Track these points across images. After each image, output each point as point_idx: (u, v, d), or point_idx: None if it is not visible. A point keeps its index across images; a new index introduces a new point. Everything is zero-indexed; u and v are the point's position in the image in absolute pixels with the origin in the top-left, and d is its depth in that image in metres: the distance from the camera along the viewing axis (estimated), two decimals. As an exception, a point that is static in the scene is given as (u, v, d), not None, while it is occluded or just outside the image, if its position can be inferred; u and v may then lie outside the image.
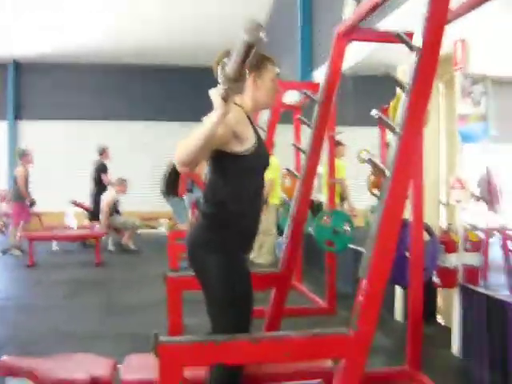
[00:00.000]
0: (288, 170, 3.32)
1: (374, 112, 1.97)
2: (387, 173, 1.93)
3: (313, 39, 8.77)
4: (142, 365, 2.41)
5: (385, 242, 1.91)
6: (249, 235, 2.40)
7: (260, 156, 2.35)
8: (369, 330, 1.90)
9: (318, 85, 4.59)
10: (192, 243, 2.32)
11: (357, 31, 3.14)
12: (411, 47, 2.04)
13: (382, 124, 1.96)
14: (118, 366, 2.50)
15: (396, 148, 1.93)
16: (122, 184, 9.91)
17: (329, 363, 2.40)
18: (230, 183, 2.27)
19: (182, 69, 14.46)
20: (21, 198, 9.37)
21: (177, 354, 1.76)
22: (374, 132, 7.49)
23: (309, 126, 3.17)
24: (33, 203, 9.65)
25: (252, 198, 2.37)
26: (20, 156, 9.67)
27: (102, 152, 10.37)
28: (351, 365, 1.88)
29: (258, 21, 1.70)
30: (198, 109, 14.12)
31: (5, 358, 2.46)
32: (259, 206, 2.44)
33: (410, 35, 2.57)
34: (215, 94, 1.90)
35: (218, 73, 1.84)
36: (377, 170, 1.97)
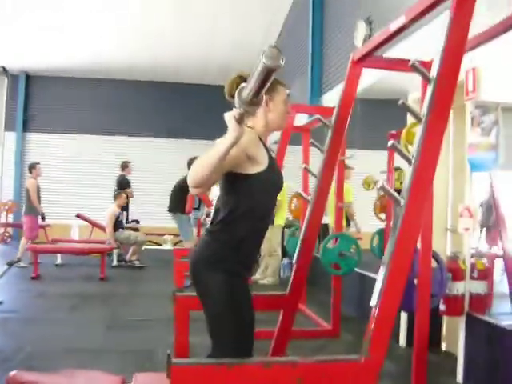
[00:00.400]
0: (299, 193, 3.34)
1: (390, 143, 1.99)
2: (401, 202, 1.95)
3: (323, 64, 8.84)
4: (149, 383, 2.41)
5: (397, 271, 1.92)
6: (253, 255, 2.43)
7: (273, 177, 2.37)
8: (379, 357, 1.91)
9: (328, 109, 4.63)
10: (196, 261, 2.32)
11: (370, 59, 3.18)
12: (427, 78, 2.07)
13: (398, 154, 1.98)
14: (126, 384, 2.50)
15: (411, 177, 1.95)
16: (120, 197, 9.93)
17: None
18: (243, 204, 2.28)
19: (193, 86, 14.55)
20: (33, 211, 9.43)
21: (189, 375, 1.77)
22: (378, 155, 7.53)
23: (321, 150, 3.19)
24: (44, 217, 9.68)
25: (262, 218, 2.39)
26: (30, 169, 9.71)
27: (125, 167, 10.45)
28: (362, 392, 1.88)
29: (278, 47, 1.74)
30: (206, 126, 14.34)
31: (14, 372, 2.47)
32: (266, 227, 2.45)
33: (423, 63, 2.61)
34: (229, 117, 1.93)
35: (235, 97, 1.88)
36: (388, 197, 1.99)
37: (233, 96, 2.01)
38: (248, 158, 2.22)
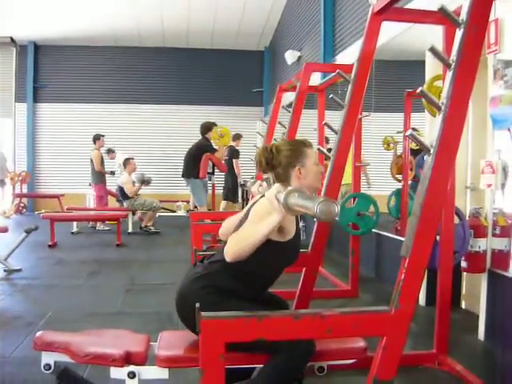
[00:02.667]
0: (320, 149, 3.30)
1: (419, 89, 1.93)
2: (431, 150, 1.90)
3: (335, 24, 8.68)
4: (176, 341, 2.41)
5: (428, 221, 1.89)
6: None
7: (292, 249, 2.40)
8: (410, 309, 1.89)
9: (345, 66, 4.54)
10: (186, 300, 2.28)
11: (392, 10, 3.09)
12: (456, 22, 2.00)
13: (427, 100, 1.93)
14: (151, 343, 2.50)
15: (442, 124, 1.90)
16: (129, 163, 9.96)
17: (362, 343, 2.38)
18: (256, 261, 2.21)
19: (198, 51, 14.40)
20: (100, 180, 10.05)
21: (219, 329, 1.76)
22: (392, 118, 7.45)
23: (342, 105, 3.13)
24: (113, 172, 10.41)
25: (267, 281, 2.43)
26: (94, 140, 10.20)
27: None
28: (392, 343, 1.87)
29: (336, 207, 1.74)
30: (214, 92, 14.24)
31: (41, 332, 2.48)
32: (267, 289, 2.50)
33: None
34: (273, 199, 1.98)
35: (282, 196, 1.91)
36: (418, 144, 1.95)
37: (261, 165, 2.36)
38: (279, 229, 2.21)
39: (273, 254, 2.27)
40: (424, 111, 4.44)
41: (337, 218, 4.98)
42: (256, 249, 2.14)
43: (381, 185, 8.43)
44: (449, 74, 1.96)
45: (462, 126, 1.93)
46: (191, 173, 8.19)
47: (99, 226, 10.07)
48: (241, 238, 2.13)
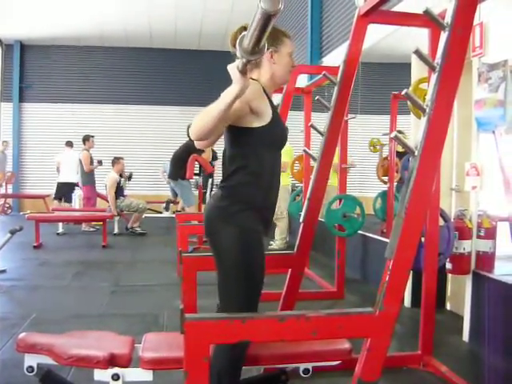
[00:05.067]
0: (306, 151, 3.30)
1: (404, 91, 1.94)
2: (416, 152, 1.91)
3: (322, 26, 8.70)
4: (160, 343, 2.40)
5: (413, 222, 1.89)
6: (267, 211, 2.36)
7: (277, 130, 2.32)
8: (394, 310, 1.89)
9: (332, 68, 4.55)
10: (210, 214, 2.29)
11: (378, 13, 3.10)
12: (441, 24, 2.00)
13: (412, 102, 1.93)
14: (136, 345, 2.49)
15: (426, 126, 1.90)
16: (118, 163, 9.92)
17: (347, 345, 2.39)
18: (248, 157, 2.24)
19: (189, 52, 14.37)
20: (89, 181, 10.04)
21: (203, 330, 1.74)
22: (378, 120, 7.48)
23: (327, 107, 3.14)
24: (101, 163, 10.34)
25: (270, 172, 2.33)
26: (84, 141, 10.17)
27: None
28: (376, 344, 1.87)
29: None
30: (202, 94, 14.25)
31: (24, 334, 2.46)
32: (277, 183, 2.41)
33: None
34: (233, 68, 1.87)
35: (236, 46, 1.80)
36: (402, 146, 1.95)
37: (233, 45, 1.98)
38: (251, 111, 2.17)
39: (262, 142, 2.24)
40: (410, 113, 4.46)
41: (322, 219, 5.00)
42: (244, 143, 2.18)
43: (367, 187, 8.47)
44: (433, 77, 1.97)
45: (446, 128, 1.94)
46: (178, 174, 8.18)
47: (84, 226, 10.01)
48: (204, 112, 2.01)
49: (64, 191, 10.62)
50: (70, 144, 10.98)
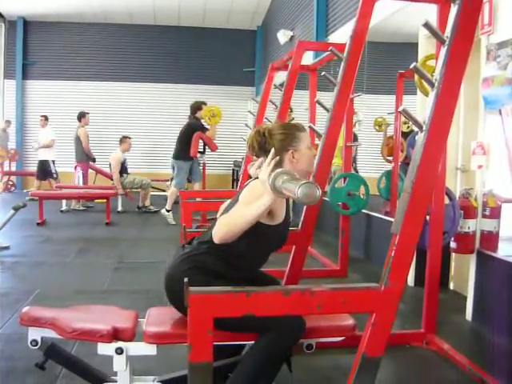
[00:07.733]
0: (311, 127, 3.27)
1: (413, 65, 1.90)
2: (424, 126, 1.88)
3: (328, 2, 8.59)
4: (164, 318, 2.39)
5: (419, 197, 1.87)
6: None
7: (280, 234, 2.38)
8: (399, 286, 1.88)
9: (338, 45, 4.50)
10: (174, 281, 2.27)
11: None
12: (452, -2, 1.97)
13: (421, 76, 1.90)
14: (140, 319, 2.49)
15: (434, 100, 1.88)
16: (125, 142, 9.90)
17: (351, 321, 2.38)
18: (243, 244, 2.21)
19: (190, 29, 14.24)
20: (85, 158, 10.02)
21: (207, 304, 1.74)
22: (383, 100, 7.41)
23: (334, 83, 3.10)
24: (94, 160, 10.41)
25: (254, 264, 2.43)
26: (79, 117, 10.10)
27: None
28: (381, 320, 1.86)
29: (318, 191, 1.74)
30: (209, 72, 14.11)
31: (27, 308, 2.46)
32: (256, 271, 2.50)
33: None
34: (265, 183, 1.97)
35: (270, 180, 1.92)
36: (410, 121, 1.93)
37: (253, 149, 2.35)
38: (269, 213, 2.19)
39: (261, 238, 2.26)
40: (415, 93, 4.42)
41: (327, 198, 4.99)
42: (244, 232, 2.13)
43: (371, 166, 8.42)
44: (443, 50, 1.94)
45: (455, 103, 1.91)
46: (177, 155, 8.15)
47: (74, 205, 9.97)
48: (230, 219, 2.11)
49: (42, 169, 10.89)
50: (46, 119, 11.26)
